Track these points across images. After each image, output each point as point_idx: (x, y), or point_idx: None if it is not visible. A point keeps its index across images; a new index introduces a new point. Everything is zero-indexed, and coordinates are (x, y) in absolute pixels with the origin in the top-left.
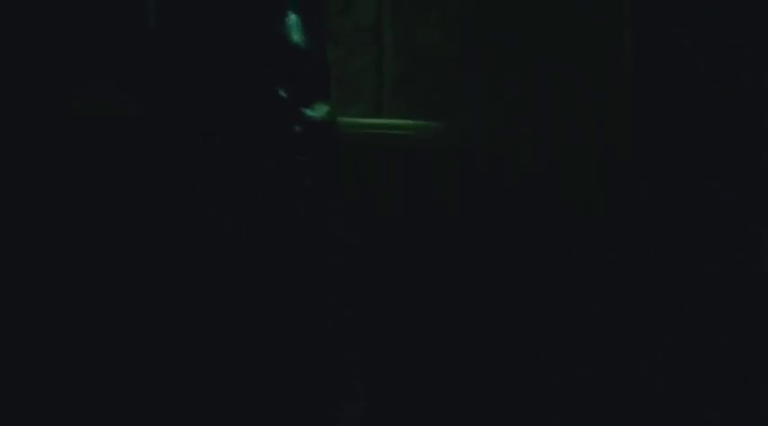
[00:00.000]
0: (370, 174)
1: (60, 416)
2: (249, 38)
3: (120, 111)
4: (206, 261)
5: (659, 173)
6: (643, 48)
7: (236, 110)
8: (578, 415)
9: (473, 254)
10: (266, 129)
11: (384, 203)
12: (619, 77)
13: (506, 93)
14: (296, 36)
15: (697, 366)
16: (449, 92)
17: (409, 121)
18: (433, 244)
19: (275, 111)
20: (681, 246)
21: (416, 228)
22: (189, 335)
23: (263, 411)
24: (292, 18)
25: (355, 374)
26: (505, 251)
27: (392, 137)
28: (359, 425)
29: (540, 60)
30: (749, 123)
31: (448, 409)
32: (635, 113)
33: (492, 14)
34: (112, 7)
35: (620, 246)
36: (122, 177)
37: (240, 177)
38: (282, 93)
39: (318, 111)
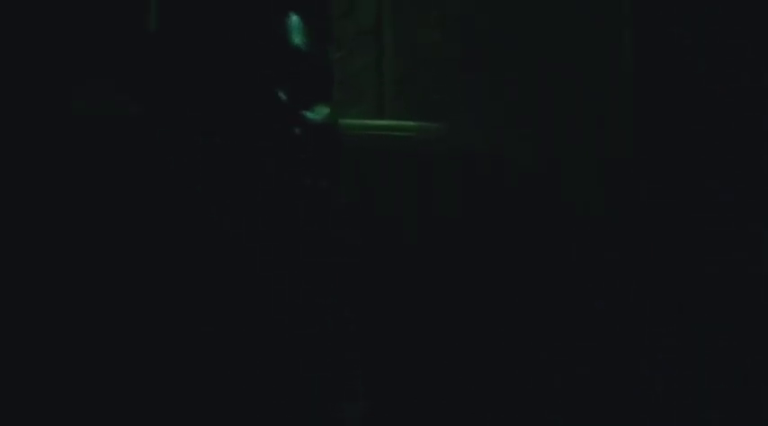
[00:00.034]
0: (370, 175)
1: (60, 416)
2: (249, 38)
3: (120, 111)
4: (206, 261)
5: (659, 173)
6: (643, 48)
7: (237, 111)
8: (578, 415)
9: (473, 254)
10: (266, 130)
11: (385, 203)
12: (619, 77)
13: (506, 93)
14: (297, 38)
15: (697, 366)
16: (449, 92)
17: (410, 123)
18: (434, 243)
19: (275, 114)
20: (681, 246)
21: (417, 228)
22: (189, 335)
23: (264, 410)
24: (294, 20)
25: (355, 374)
26: (506, 251)
27: (393, 138)
28: (359, 425)
29: (540, 60)
30: (749, 123)
31: (448, 409)
32: (635, 113)
33: (492, 14)
34: (113, 8)
35: (620, 246)
36: (122, 177)
37: (240, 177)
38: (282, 96)
39: (319, 114)
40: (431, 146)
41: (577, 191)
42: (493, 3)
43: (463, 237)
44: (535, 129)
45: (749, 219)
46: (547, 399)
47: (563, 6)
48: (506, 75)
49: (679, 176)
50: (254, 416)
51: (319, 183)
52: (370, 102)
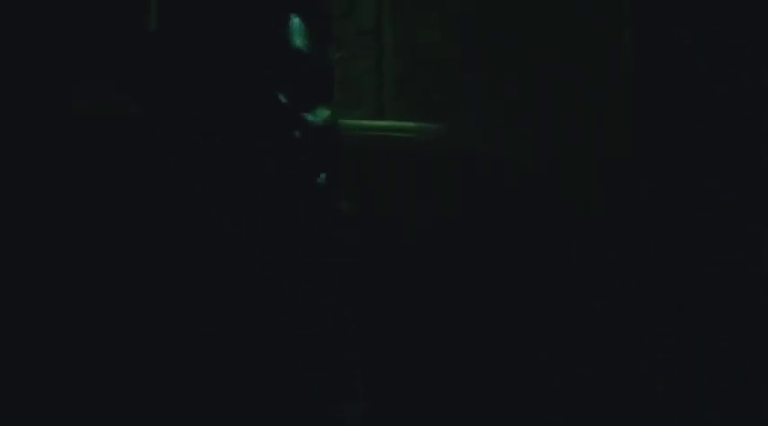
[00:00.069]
0: (371, 175)
1: (61, 416)
2: (250, 39)
3: (120, 111)
4: (206, 261)
5: (659, 173)
6: (643, 48)
7: (237, 111)
8: (578, 415)
9: (474, 255)
10: (266, 130)
11: (385, 204)
12: (619, 77)
13: (506, 92)
14: (298, 40)
15: (697, 366)
16: (449, 92)
17: (410, 124)
18: (434, 244)
19: (275, 116)
20: (681, 246)
21: (417, 229)
22: (189, 335)
23: (264, 410)
24: (296, 22)
25: (355, 374)
26: (506, 251)
27: (393, 138)
28: (359, 425)
29: (540, 60)
30: (749, 123)
31: (448, 409)
32: (635, 113)
33: (492, 14)
34: (113, 8)
35: (620, 246)
36: (123, 177)
37: (240, 177)
38: (283, 98)
39: (319, 116)
40: (431, 147)
41: (577, 191)
42: (493, 3)
43: (463, 237)
44: (535, 129)
45: (749, 219)
46: (547, 399)
47: (563, 6)
48: (506, 75)
49: (679, 176)
50: (255, 416)
51: (319, 183)
52: (370, 103)
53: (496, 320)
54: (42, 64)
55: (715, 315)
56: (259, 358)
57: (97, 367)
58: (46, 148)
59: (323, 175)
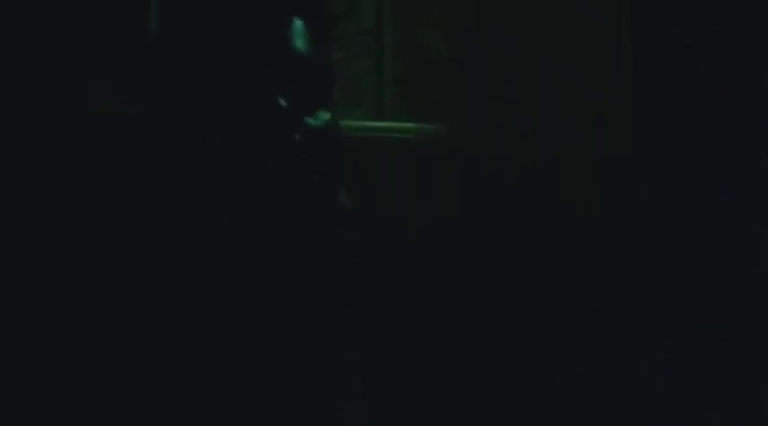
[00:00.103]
0: (371, 176)
1: (61, 416)
2: (250, 39)
3: (120, 111)
4: (206, 260)
5: (659, 173)
6: (643, 48)
7: (237, 111)
8: (578, 415)
9: (474, 254)
10: (266, 130)
11: (385, 204)
12: (619, 77)
13: (506, 92)
14: (299, 41)
15: (697, 366)
16: (449, 92)
17: (410, 124)
18: (434, 244)
19: (276, 118)
20: (681, 246)
21: (417, 228)
22: (189, 334)
23: (264, 409)
24: (297, 24)
25: (355, 373)
26: (506, 251)
27: (393, 139)
28: (359, 424)
29: (540, 60)
30: (749, 123)
31: (448, 409)
32: (635, 113)
33: (492, 14)
34: (114, 8)
35: (620, 246)
36: (123, 177)
37: (240, 177)
38: (283, 102)
39: (319, 119)
40: (431, 147)
41: (577, 191)
42: (493, 3)
43: (463, 237)
44: (535, 129)
45: (749, 219)
46: (547, 399)
47: (563, 6)
48: (506, 75)
49: (679, 176)
50: (255, 415)
51: (319, 183)
52: (370, 103)
53: (497, 320)
54: (43, 64)
55: (715, 314)
56: (259, 356)
57: (97, 366)
58: (46, 148)
59: (322, 175)
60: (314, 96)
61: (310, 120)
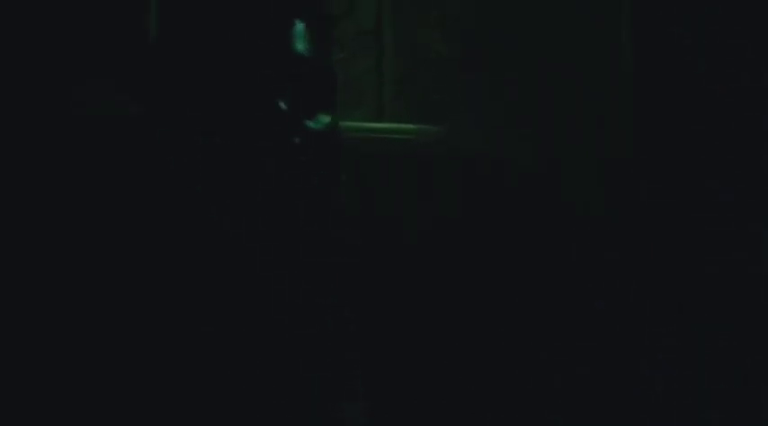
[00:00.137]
0: (371, 177)
1: (61, 416)
2: (251, 40)
3: (120, 111)
4: (206, 260)
5: (659, 173)
6: (643, 48)
7: (237, 111)
8: (578, 415)
9: (474, 255)
10: (266, 130)
11: (385, 204)
12: (619, 77)
13: (506, 92)
14: (300, 44)
15: (697, 366)
16: (449, 92)
17: (410, 125)
18: (434, 244)
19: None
20: (681, 246)
21: (417, 229)
22: (190, 335)
23: (264, 410)
24: (299, 27)
25: (355, 374)
26: (506, 251)
27: (393, 140)
28: (359, 425)
29: (540, 60)
30: (749, 123)
31: (448, 409)
32: (635, 113)
33: (492, 14)
34: (114, 8)
35: (620, 246)
36: (123, 177)
37: (240, 177)
38: (283, 105)
39: (320, 122)
40: (431, 148)
41: (577, 191)
42: (493, 3)
43: (463, 238)
44: (535, 129)
45: (749, 219)
46: (547, 399)
47: (563, 6)
48: (506, 75)
49: (679, 176)
50: (255, 416)
51: (319, 184)
52: (370, 103)
53: (497, 320)
54: (43, 64)
55: (715, 315)
56: (259, 358)
57: (97, 366)
58: (46, 148)
59: (322, 178)
60: (314, 98)
61: (310, 123)
